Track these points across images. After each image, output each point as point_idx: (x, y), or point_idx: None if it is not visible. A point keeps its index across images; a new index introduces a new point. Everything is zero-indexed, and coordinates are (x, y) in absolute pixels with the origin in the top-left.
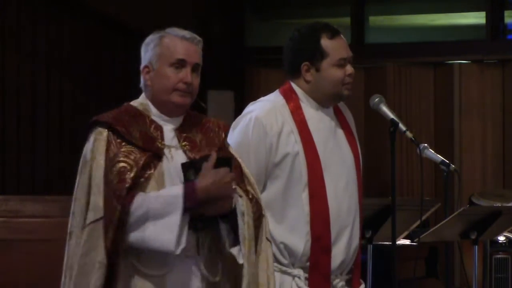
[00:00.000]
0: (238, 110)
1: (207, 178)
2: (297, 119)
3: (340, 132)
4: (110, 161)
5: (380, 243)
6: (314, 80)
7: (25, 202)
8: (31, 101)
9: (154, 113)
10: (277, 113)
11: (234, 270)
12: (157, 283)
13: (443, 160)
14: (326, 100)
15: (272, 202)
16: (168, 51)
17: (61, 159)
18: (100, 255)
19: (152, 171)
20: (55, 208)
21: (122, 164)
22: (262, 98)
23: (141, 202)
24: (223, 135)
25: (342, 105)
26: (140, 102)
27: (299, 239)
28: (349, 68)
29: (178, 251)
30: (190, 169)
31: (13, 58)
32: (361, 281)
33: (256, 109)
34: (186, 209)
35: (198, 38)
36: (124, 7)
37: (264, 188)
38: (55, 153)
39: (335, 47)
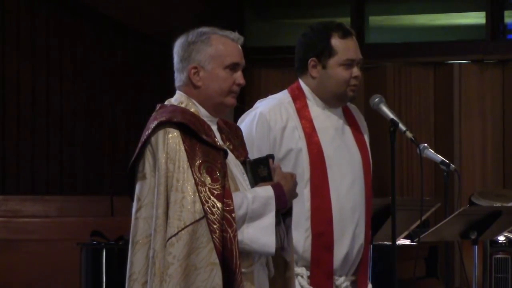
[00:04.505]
0: (238, 110)
1: (288, 181)
2: (302, 116)
3: (348, 132)
4: (192, 161)
5: (380, 243)
6: (319, 77)
7: (25, 202)
8: (31, 100)
9: (203, 113)
10: (282, 109)
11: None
12: (248, 279)
13: (443, 160)
14: (330, 99)
15: None
16: (222, 53)
17: (61, 159)
18: (209, 255)
19: (227, 169)
20: (55, 208)
21: (206, 164)
22: (270, 96)
23: (241, 202)
24: (241, 134)
25: (353, 108)
26: (181, 101)
27: (299, 235)
28: (355, 71)
29: (274, 252)
30: (259, 166)
31: (13, 58)
32: (369, 282)
33: (262, 105)
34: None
35: (242, 37)
36: (123, 7)
37: None
38: (55, 153)
39: (344, 47)
